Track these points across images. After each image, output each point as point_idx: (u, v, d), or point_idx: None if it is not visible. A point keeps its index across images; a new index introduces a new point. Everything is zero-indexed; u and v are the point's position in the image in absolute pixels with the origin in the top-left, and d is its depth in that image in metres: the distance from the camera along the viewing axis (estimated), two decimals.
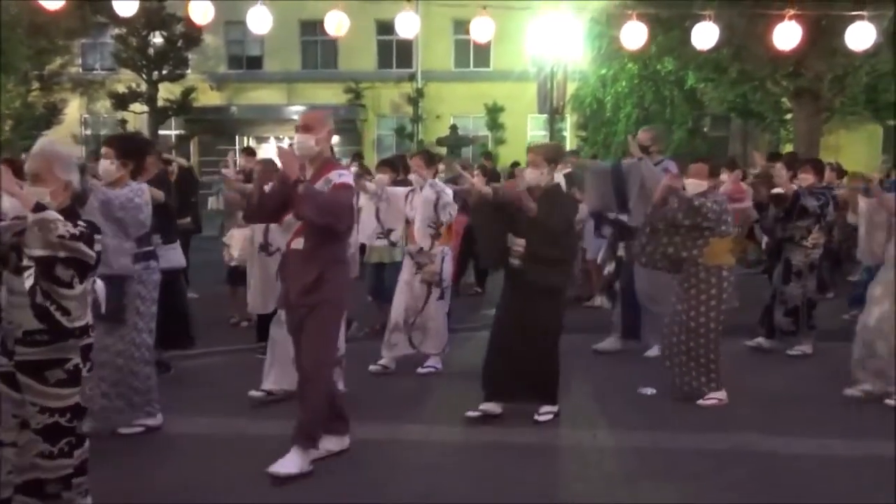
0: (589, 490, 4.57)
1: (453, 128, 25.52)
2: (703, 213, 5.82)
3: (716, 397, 6.00)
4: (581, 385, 6.49)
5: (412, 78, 27.97)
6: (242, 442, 5.15)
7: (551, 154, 5.57)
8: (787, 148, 22.72)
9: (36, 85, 26.41)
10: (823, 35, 14.96)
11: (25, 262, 3.51)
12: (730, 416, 5.77)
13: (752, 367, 7.12)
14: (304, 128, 4.59)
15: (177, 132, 28.12)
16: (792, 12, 9.56)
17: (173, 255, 6.42)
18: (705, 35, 9.86)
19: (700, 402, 5.97)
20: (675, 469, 4.83)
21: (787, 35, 9.66)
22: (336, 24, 10.11)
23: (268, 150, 23.86)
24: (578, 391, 6.34)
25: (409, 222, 6.94)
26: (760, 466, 4.86)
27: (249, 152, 12.08)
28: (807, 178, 7.29)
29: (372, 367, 6.80)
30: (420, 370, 6.86)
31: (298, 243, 4.57)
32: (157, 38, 26.49)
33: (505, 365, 5.50)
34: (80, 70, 28.39)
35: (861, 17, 9.69)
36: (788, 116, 22.52)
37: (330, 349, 4.71)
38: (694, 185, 5.98)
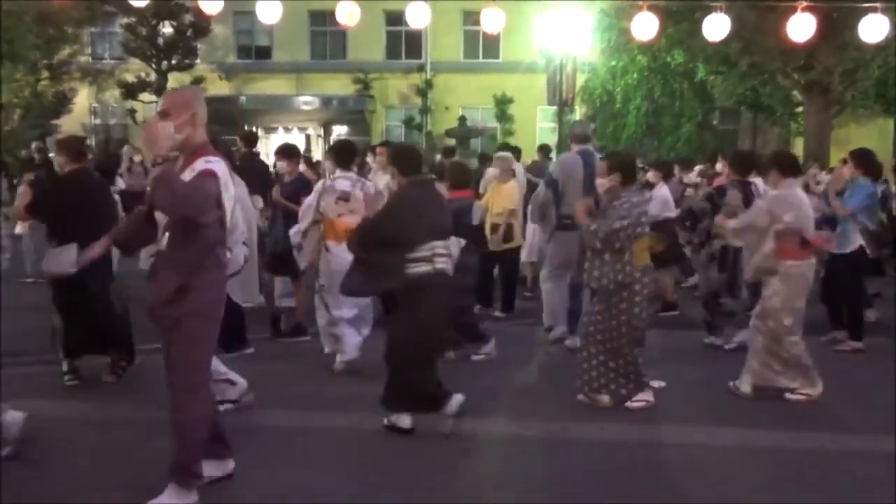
0: (596, 484, 4.55)
1: (462, 119, 25.48)
2: (618, 237, 5.44)
3: (643, 398, 5.71)
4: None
5: (421, 69, 27.95)
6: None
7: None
8: (798, 142, 22.65)
9: (45, 74, 26.51)
10: (835, 28, 14.89)
11: None
12: (734, 411, 5.73)
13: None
14: (163, 114, 3.89)
15: None
16: (805, 4, 9.50)
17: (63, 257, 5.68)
18: (716, 27, 9.81)
19: (628, 404, 5.68)
20: (681, 465, 4.80)
21: (800, 27, 9.61)
22: (347, 14, 10.11)
23: (276, 141, 23.87)
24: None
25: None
26: (767, 462, 4.85)
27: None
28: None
29: (337, 366, 6.48)
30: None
31: (163, 242, 3.93)
32: (167, 28, 26.56)
33: None
34: (90, 59, 28.47)
35: (874, 10, 9.62)
36: (799, 110, 22.44)
37: (202, 370, 4.01)
38: (603, 183, 5.70)
